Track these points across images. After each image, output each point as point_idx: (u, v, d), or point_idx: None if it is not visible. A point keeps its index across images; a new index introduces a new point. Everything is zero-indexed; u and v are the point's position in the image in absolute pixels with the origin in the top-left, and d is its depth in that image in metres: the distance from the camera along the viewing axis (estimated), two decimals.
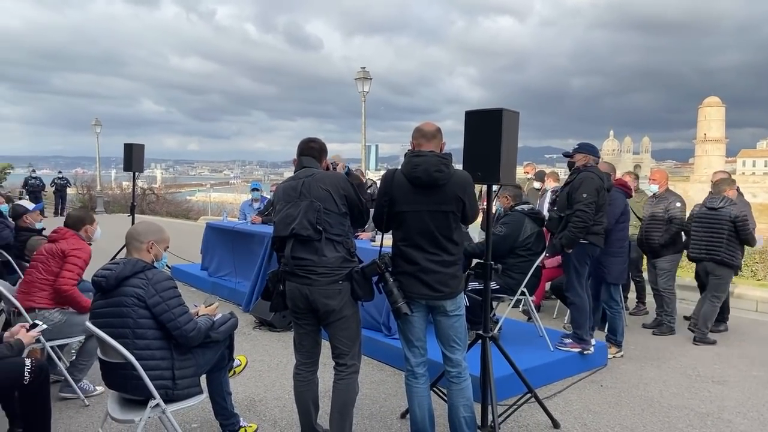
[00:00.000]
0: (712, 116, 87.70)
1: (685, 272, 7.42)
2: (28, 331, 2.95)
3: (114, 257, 8.33)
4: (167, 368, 2.71)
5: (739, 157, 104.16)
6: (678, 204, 5.67)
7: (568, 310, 5.06)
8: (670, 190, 5.88)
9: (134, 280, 2.70)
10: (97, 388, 3.93)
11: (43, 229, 4.19)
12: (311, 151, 3.08)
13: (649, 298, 6.33)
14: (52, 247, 3.88)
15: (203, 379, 3.01)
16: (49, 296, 3.80)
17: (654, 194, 5.90)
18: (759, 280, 9.00)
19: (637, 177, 6.81)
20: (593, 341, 4.61)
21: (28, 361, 2.83)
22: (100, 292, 2.75)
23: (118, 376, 2.72)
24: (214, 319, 3.00)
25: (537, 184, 7.41)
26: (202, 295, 6.78)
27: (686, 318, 6.16)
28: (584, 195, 4.41)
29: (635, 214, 6.31)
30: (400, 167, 2.93)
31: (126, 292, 2.67)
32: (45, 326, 3.05)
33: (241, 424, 3.24)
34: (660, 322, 5.72)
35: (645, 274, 6.39)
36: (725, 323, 5.90)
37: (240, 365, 3.59)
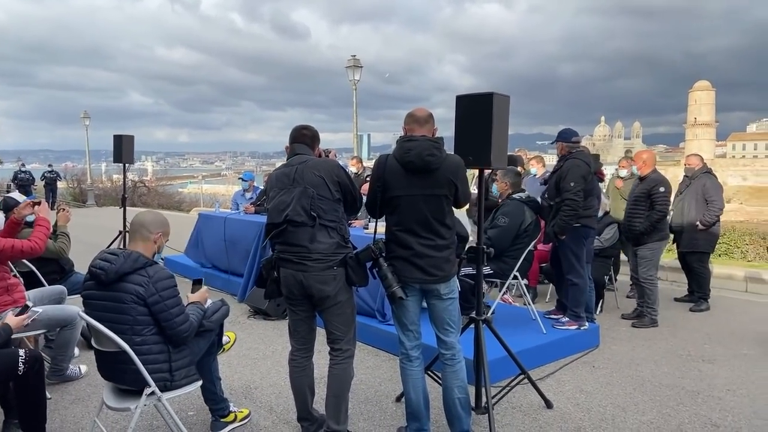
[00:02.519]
0: (702, 100, 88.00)
1: (673, 254, 7.48)
2: (20, 311, 2.89)
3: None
4: (164, 361, 2.71)
5: (729, 140, 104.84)
6: (662, 189, 5.22)
7: (563, 293, 5.11)
8: (657, 171, 5.41)
9: (135, 276, 2.63)
10: (81, 367, 3.99)
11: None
12: (304, 138, 3.07)
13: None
14: None
15: None
16: None
17: (639, 177, 5.49)
18: (749, 261, 9.12)
19: (631, 161, 6.81)
20: (587, 323, 4.70)
21: (21, 352, 2.82)
22: (98, 283, 2.68)
23: (113, 367, 2.71)
24: (206, 307, 3.00)
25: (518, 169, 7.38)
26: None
27: (677, 300, 6.26)
28: (572, 184, 4.49)
29: (625, 199, 6.37)
30: (392, 152, 2.94)
31: (126, 289, 2.62)
32: (39, 310, 2.98)
33: (231, 409, 3.27)
34: (641, 314, 5.43)
35: None
36: (707, 302, 5.98)
37: (229, 341, 3.54)
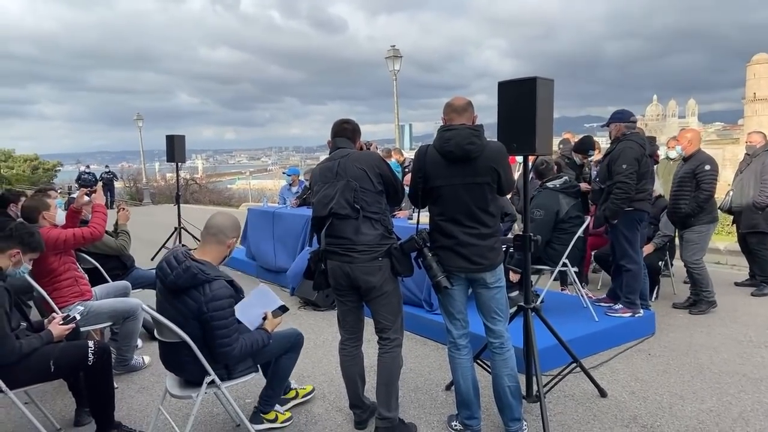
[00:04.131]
0: (761, 74, 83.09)
1: (733, 237, 7.15)
2: (64, 322, 2.99)
3: (164, 245, 8.65)
4: (222, 367, 2.81)
5: None
6: (707, 167, 4.93)
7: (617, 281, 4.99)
8: (701, 150, 5.14)
9: (193, 292, 2.65)
10: (144, 358, 4.22)
11: None
12: (345, 132, 3.11)
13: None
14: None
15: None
16: (64, 294, 3.75)
17: (683, 157, 5.23)
18: None
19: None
20: (641, 310, 4.59)
21: (91, 343, 3.00)
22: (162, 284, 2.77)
23: (175, 358, 2.83)
24: (270, 338, 2.98)
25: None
26: (248, 279, 7.00)
27: (737, 284, 6.00)
28: (624, 166, 4.36)
29: None
30: (432, 143, 2.94)
31: (184, 302, 2.68)
32: (78, 317, 3.08)
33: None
34: (696, 301, 5.19)
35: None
36: None
37: (305, 389, 3.63)
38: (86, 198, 4.27)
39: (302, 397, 3.48)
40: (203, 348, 2.74)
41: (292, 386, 3.39)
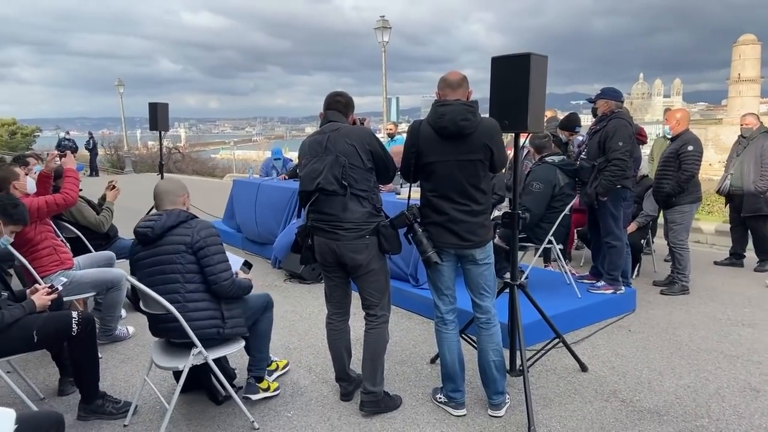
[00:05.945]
0: (746, 55, 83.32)
1: (716, 217, 7.29)
2: (49, 293, 2.95)
3: (147, 213, 8.54)
4: (217, 309, 2.83)
5: None
6: (690, 148, 4.90)
7: (599, 259, 5.05)
8: (688, 130, 5.09)
9: (180, 229, 2.79)
10: (128, 328, 4.21)
11: (80, 189, 4.24)
12: (337, 105, 3.05)
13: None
14: None
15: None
16: (43, 263, 3.70)
17: (671, 137, 5.23)
18: None
19: None
20: (623, 287, 4.66)
21: (75, 314, 2.96)
22: (143, 243, 2.81)
23: (165, 325, 2.82)
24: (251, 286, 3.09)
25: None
26: (232, 250, 6.95)
27: (717, 263, 6.12)
28: (620, 143, 4.37)
29: None
30: (425, 117, 2.91)
31: (173, 241, 2.76)
32: (61, 288, 3.05)
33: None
34: (673, 281, 5.22)
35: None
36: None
37: (282, 362, 3.68)
38: (57, 162, 4.17)
39: (282, 369, 3.52)
40: (199, 296, 2.78)
41: (272, 359, 3.43)
